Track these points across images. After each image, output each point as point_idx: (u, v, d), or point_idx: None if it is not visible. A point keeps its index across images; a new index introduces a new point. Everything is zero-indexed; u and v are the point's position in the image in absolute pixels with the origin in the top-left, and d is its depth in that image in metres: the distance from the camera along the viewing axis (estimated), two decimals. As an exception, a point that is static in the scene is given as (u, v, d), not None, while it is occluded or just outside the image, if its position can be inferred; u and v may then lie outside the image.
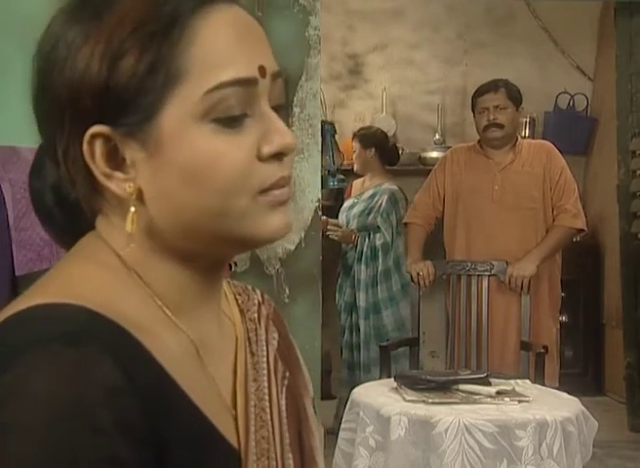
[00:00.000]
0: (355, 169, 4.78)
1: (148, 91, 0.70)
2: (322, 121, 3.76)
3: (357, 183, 4.84)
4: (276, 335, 0.89)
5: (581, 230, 3.83)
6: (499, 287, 3.69)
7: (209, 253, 0.76)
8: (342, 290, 4.69)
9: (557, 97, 5.75)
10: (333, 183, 4.82)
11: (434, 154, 5.42)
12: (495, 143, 3.80)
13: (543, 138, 4.87)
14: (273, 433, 0.80)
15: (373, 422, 2.55)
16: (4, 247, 2.49)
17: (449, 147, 4.60)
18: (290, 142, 0.73)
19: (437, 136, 5.70)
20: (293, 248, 3.36)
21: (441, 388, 2.64)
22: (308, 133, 3.37)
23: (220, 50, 0.71)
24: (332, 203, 4.97)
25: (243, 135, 0.72)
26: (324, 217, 4.18)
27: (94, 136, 0.71)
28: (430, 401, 2.54)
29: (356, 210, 4.65)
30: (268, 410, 0.81)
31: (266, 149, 0.72)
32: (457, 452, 2.38)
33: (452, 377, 2.73)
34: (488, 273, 3.69)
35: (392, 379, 2.81)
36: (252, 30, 0.74)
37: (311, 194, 3.40)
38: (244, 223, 0.72)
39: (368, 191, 4.67)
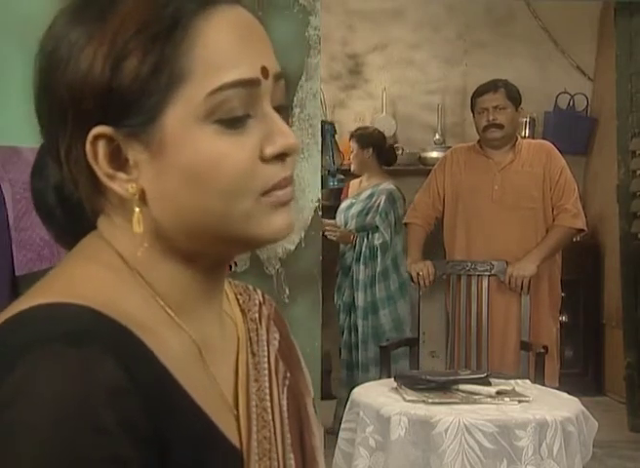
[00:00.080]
0: (352, 169, 4.78)
1: (151, 92, 0.70)
2: (322, 121, 3.76)
3: (354, 184, 4.84)
4: (277, 336, 0.89)
5: (581, 230, 3.83)
6: (499, 287, 3.69)
7: (211, 253, 0.76)
8: (341, 290, 4.69)
9: (557, 97, 5.75)
10: (333, 183, 4.82)
11: (434, 154, 5.42)
12: (494, 143, 3.80)
13: (543, 138, 4.87)
14: (275, 433, 0.80)
15: (373, 422, 2.55)
16: (4, 247, 2.49)
17: (449, 147, 4.60)
18: (292, 143, 0.73)
19: (437, 136, 5.70)
20: (293, 248, 3.36)
21: (441, 388, 2.65)
22: (308, 133, 3.37)
23: (223, 51, 0.71)
24: (332, 203, 4.97)
25: (246, 135, 0.72)
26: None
27: (97, 137, 0.71)
28: (430, 401, 2.54)
29: (354, 210, 4.66)
30: (270, 411, 0.81)
31: (269, 150, 0.72)
32: (457, 452, 2.38)
33: (452, 377, 2.73)
34: (488, 273, 3.69)
35: (392, 379, 2.81)
36: (254, 31, 0.74)
37: (311, 194, 3.40)
38: (247, 224, 0.73)
39: (366, 191, 4.67)
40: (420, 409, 2.49)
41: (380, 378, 3.27)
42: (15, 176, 2.57)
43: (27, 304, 0.68)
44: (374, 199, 4.60)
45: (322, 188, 3.66)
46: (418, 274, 3.77)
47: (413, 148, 5.68)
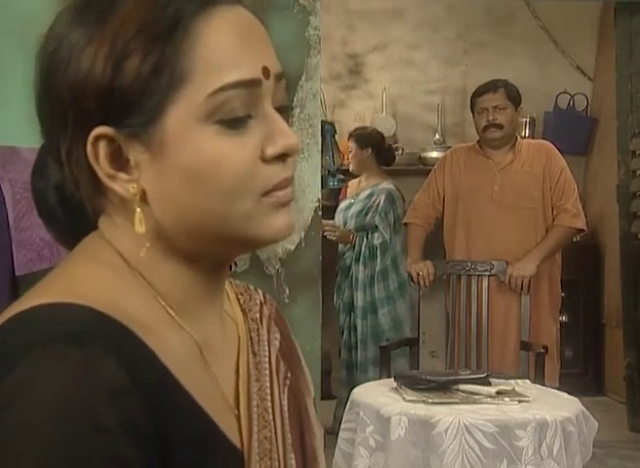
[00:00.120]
0: (351, 168, 4.78)
1: (152, 92, 0.70)
2: (322, 121, 3.76)
3: (353, 184, 4.84)
4: (278, 335, 0.89)
5: (581, 230, 3.83)
6: (499, 287, 3.69)
7: (212, 253, 0.76)
8: (341, 290, 4.69)
9: (557, 97, 5.75)
10: (333, 183, 4.82)
11: (434, 154, 5.42)
12: (494, 143, 3.80)
13: (543, 138, 4.87)
14: (276, 433, 0.80)
15: (373, 422, 2.55)
16: (4, 247, 2.49)
17: (449, 147, 4.60)
18: (293, 143, 0.73)
19: (437, 136, 5.70)
20: (293, 248, 3.36)
21: (441, 388, 2.64)
22: (308, 133, 3.37)
23: (224, 51, 0.71)
24: (332, 203, 4.97)
25: (247, 136, 0.72)
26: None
27: (98, 138, 0.71)
28: (430, 401, 2.54)
29: (353, 210, 4.66)
30: (271, 411, 0.81)
31: (270, 150, 0.72)
32: (457, 452, 2.38)
33: (452, 377, 2.73)
34: (488, 273, 3.69)
35: (392, 379, 2.81)
36: (255, 31, 0.74)
37: (311, 194, 3.40)
38: (247, 224, 0.73)
39: (365, 191, 4.67)
40: (420, 409, 2.49)
41: (379, 378, 3.27)
42: (15, 176, 2.57)
43: (28, 304, 0.68)
44: (373, 199, 4.60)
45: (322, 188, 3.66)
46: (418, 274, 3.77)
47: (413, 148, 5.68)
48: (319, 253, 3.44)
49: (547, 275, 3.77)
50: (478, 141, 3.90)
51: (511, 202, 3.74)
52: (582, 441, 2.57)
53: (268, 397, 0.82)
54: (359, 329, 4.55)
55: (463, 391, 2.64)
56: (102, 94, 0.70)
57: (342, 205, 4.79)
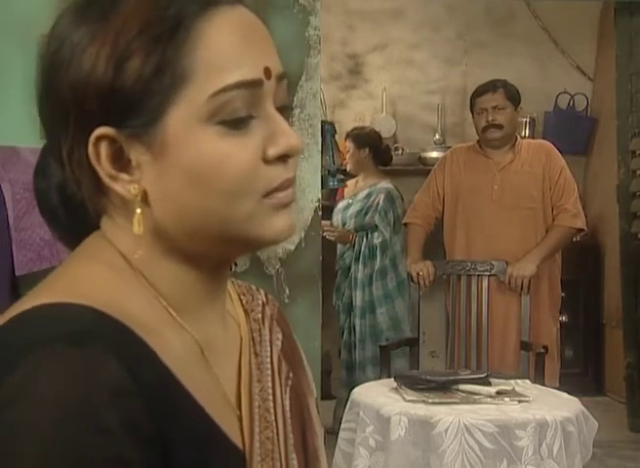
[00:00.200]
0: (349, 168, 4.79)
1: (154, 93, 0.70)
2: (322, 121, 3.75)
3: (350, 184, 4.84)
4: (280, 336, 0.89)
5: (581, 230, 3.83)
6: (499, 287, 3.69)
7: (213, 254, 0.76)
8: (340, 290, 4.69)
9: (557, 97, 5.75)
10: (333, 183, 4.82)
11: (434, 154, 5.42)
12: (494, 144, 3.80)
13: (543, 138, 4.87)
14: (277, 434, 0.80)
15: (373, 422, 2.54)
16: (4, 247, 2.49)
17: (449, 147, 4.60)
18: (295, 144, 0.73)
19: (437, 136, 5.70)
20: (293, 248, 3.36)
21: (441, 388, 2.64)
22: (308, 133, 3.37)
23: (226, 52, 0.71)
24: (331, 203, 4.97)
25: (248, 136, 0.72)
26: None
27: (99, 138, 0.71)
28: (430, 401, 2.54)
29: (352, 210, 4.66)
30: (272, 411, 0.81)
31: (272, 151, 0.72)
32: (457, 452, 2.38)
33: (452, 377, 2.73)
34: (488, 273, 3.69)
35: (392, 379, 2.81)
36: (256, 31, 0.74)
37: (311, 194, 3.39)
38: (249, 225, 0.73)
39: (363, 191, 4.67)
40: (420, 409, 2.49)
41: (379, 378, 3.27)
42: (15, 176, 2.57)
43: (30, 304, 0.68)
44: (372, 198, 4.60)
45: (322, 188, 3.66)
46: (418, 274, 3.77)
47: (413, 148, 5.68)
48: (319, 253, 3.44)
49: (547, 275, 3.77)
50: (478, 141, 3.90)
51: (511, 202, 3.74)
52: (582, 441, 2.57)
53: (270, 397, 0.82)
54: (357, 328, 4.55)
55: (463, 391, 2.64)
56: (104, 94, 0.70)
57: (340, 205, 4.79)
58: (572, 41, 5.77)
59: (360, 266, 4.57)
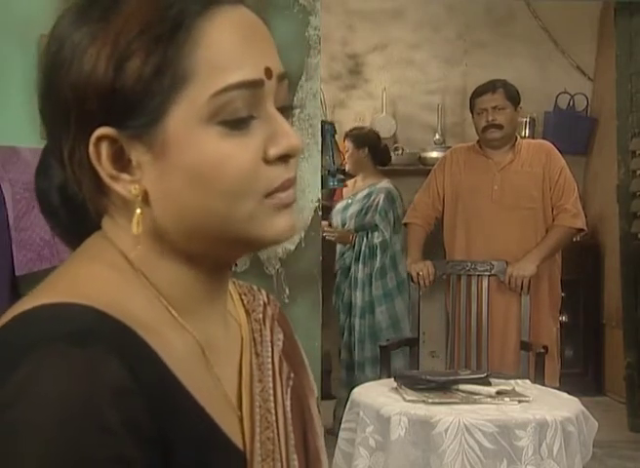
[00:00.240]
0: (347, 168, 4.79)
1: (155, 93, 0.70)
2: (322, 121, 3.76)
3: (349, 184, 4.84)
4: (281, 336, 0.89)
5: (581, 230, 3.83)
6: (499, 287, 3.69)
7: (214, 254, 0.76)
8: (340, 290, 4.69)
9: (557, 97, 5.75)
10: (333, 183, 4.81)
11: (434, 154, 5.42)
12: (494, 144, 3.80)
13: (543, 138, 4.87)
14: (278, 434, 0.80)
15: (373, 422, 2.54)
16: (4, 247, 2.49)
17: (449, 147, 4.60)
18: (296, 144, 0.73)
19: (437, 136, 5.70)
20: (293, 248, 3.36)
21: (441, 388, 2.64)
22: (308, 133, 3.37)
23: (226, 52, 0.71)
24: (330, 203, 4.97)
25: (249, 137, 0.72)
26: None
27: (100, 138, 0.71)
28: (430, 401, 2.54)
29: (352, 210, 4.66)
30: (274, 411, 0.81)
31: (273, 151, 0.72)
32: (457, 452, 2.38)
33: (452, 377, 2.73)
34: (488, 273, 3.69)
35: (392, 379, 2.81)
36: (257, 31, 0.74)
37: (311, 194, 3.40)
38: (250, 226, 0.72)
39: (362, 191, 4.68)
40: (420, 409, 2.49)
41: (379, 378, 3.27)
42: (15, 176, 2.57)
43: (31, 304, 0.68)
44: (372, 198, 4.60)
45: (322, 188, 3.66)
46: (418, 274, 3.77)
47: (413, 148, 5.68)
48: (319, 253, 3.44)
49: (547, 275, 3.77)
50: (478, 141, 3.90)
51: (511, 202, 3.74)
52: (582, 441, 2.57)
53: (271, 398, 0.82)
54: (357, 328, 4.55)
55: (463, 391, 2.64)
56: (105, 94, 0.70)
57: (339, 205, 4.79)
58: (572, 41, 5.77)
59: (360, 266, 4.57)
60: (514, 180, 3.75)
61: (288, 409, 0.83)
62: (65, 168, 0.74)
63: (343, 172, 4.91)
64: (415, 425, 2.44)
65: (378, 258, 4.53)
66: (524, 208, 3.73)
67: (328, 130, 4.67)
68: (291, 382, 0.86)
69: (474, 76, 5.24)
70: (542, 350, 3.42)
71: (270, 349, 0.85)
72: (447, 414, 2.44)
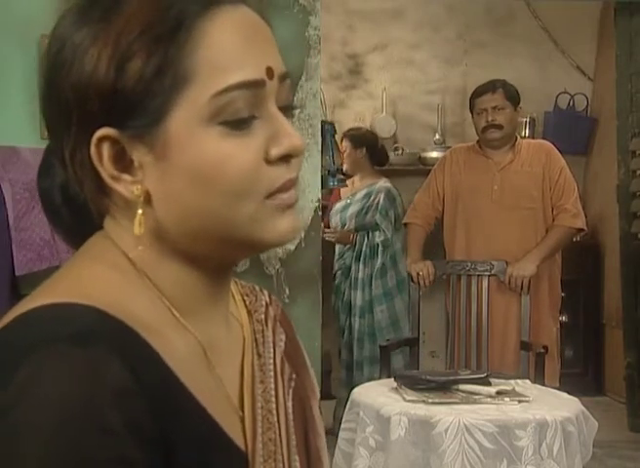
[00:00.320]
0: (345, 168, 4.79)
1: (156, 93, 0.69)
2: (322, 121, 3.76)
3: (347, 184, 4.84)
4: (283, 337, 0.89)
5: (581, 230, 3.83)
6: (499, 287, 3.69)
7: (216, 255, 0.75)
8: (340, 291, 4.69)
9: (557, 97, 5.75)
10: (333, 183, 4.81)
11: (434, 154, 5.42)
12: (494, 144, 3.80)
13: (543, 138, 4.86)
14: (280, 435, 0.80)
15: (373, 422, 2.54)
16: (4, 247, 2.50)
17: (449, 147, 4.60)
18: (298, 144, 0.73)
19: (437, 136, 5.70)
20: (293, 248, 3.36)
21: (441, 388, 2.64)
22: (308, 133, 3.37)
23: (228, 52, 0.70)
24: (327, 203, 4.97)
25: (251, 137, 0.71)
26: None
27: (101, 139, 0.71)
28: (430, 401, 2.54)
29: (352, 210, 4.66)
30: (275, 412, 0.81)
31: (275, 151, 0.72)
32: (457, 452, 2.38)
33: (452, 377, 2.72)
34: (488, 273, 3.69)
35: (392, 379, 2.81)
36: (259, 31, 0.74)
37: (311, 194, 3.40)
38: (252, 227, 0.72)
39: (361, 191, 4.68)
40: (420, 409, 2.49)
41: (379, 378, 3.27)
42: (15, 176, 2.57)
43: (33, 304, 0.68)
44: (372, 197, 4.60)
45: (322, 188, 3.66)
46: (418, 274, 3.77)
47: (413, 148, 5.68)
48: (319, 253, 3.44)
49: (547, 275, 3.77)
50: (478, 141, 3.90)
51: (511, 202, 3.74)
52: (582, 441, 2.57)
53: (273, 398, 0.81)
54: (356, 327, 4.55)
55: (463, 391, 2.64)
56: (106, 95, 0.70)
57: (338, 206, 4.79)
58: (572, 41, 5.77)
59: (361, 266, 4.57)
60: (514, 180, 3.75)
61: (289, 409, 0.83)
62: (67, 168, 0.73)
63: (343, 171, 4.91)
64: (415, 425, 2.44)
65: (379, 258, 4.53)
66: (524, 208, 3.73)
67: (328, 130, 4.67)
68: (293, 383, 0.85)
69: (474, 76, 5.24)
70: (542, 350, 3.42)
71: (272, 350, 0.85)
72: (447, 414, 2.44)
